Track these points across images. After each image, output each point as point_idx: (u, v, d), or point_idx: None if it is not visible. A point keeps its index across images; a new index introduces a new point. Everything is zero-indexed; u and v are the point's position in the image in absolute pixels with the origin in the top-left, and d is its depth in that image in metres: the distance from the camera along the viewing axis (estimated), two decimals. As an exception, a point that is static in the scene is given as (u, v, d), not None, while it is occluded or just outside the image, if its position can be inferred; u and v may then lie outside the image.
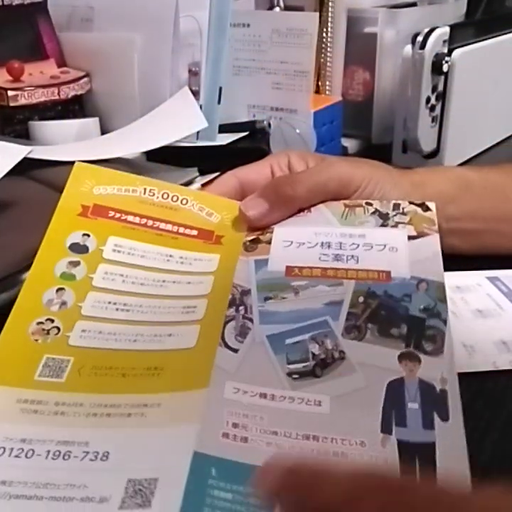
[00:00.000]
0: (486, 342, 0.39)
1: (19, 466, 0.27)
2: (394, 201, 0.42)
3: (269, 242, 0.39)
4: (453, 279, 0.44)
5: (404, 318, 0.33)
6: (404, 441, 0.27)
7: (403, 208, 0.41)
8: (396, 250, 0.37)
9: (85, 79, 0.68)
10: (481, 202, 0.47)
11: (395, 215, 0.41)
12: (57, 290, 0.35)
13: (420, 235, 0.39)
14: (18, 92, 0.62)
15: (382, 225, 0.40)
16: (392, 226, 0.40)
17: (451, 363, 0.30)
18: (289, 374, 0.31)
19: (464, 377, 0.31)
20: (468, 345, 0.38)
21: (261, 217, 0.41)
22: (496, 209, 0.47)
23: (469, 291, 0.44)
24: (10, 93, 0.62)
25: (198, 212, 0.42)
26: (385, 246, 0.38)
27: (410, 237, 0.38)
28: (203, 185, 0.53)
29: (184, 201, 0.42)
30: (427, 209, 0.41)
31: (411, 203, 0.42)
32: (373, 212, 0.41)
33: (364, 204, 0.42)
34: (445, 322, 0.32)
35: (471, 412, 0.30)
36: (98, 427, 0.29)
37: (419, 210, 0.41)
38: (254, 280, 0.36)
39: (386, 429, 0.28)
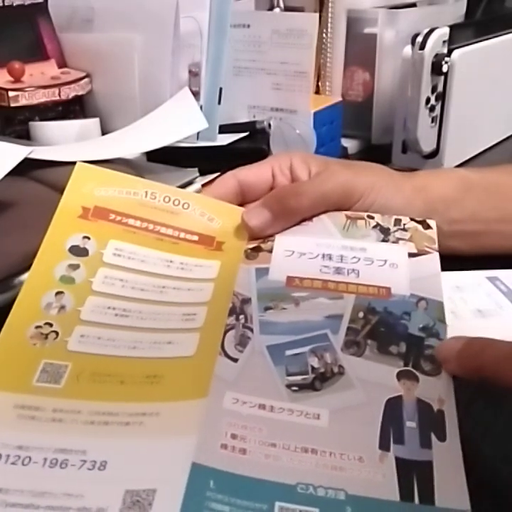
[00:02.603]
0: (486, 342, 0.39)
1: (15, 474, 0.26)
2: (395, 216, 0.42)
3: (270, 251, 0.39)
4: (453, 279, 0.44)
5: (403, 336, 0.33)
6: (401, 459, 0.27)
7: (404, 224, 0.41)
8: (396, 267, 0.38)
9: (86, 79, 0.68)
10: (483, 203, 0.47)
11: (396, 231, 0.41)
12: (57, 293, 0.35)
13: (421, 252, 0.39)
14: (19, 93, 0.62)
15: (383, 240, 0.40)
16: (393, 242, 0.40)
17: (449, 383, 0.30)
18: (289, 386, 0.31)
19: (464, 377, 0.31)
20: (467, 345, 0.38)
21: (263, 228, 0.41)
22: (497, 210, 0.47)
23: (469, 291, 0.44)
24: (11, 94, 0.62)
25: (199, 217, 0.41)
26: (385, 262, 0.38)
27: (411, 255, 0.38)
28: (203, 186, 0.53)
29: (185, 205, 0.41)
30: (427, 227, 0.41)
31: (412, 219, 0.42)
32: (374, 226, 0.41)
33: (365, 217, 0.42)
34: None
35: (471, 412, 0.30)
36: (96, 435, 0.28)
37: (419, 227, 0.41)
38: (254, 289, 0.36)
39: (384, 445, 0.28)
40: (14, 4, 0.67)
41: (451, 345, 0.31)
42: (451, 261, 0.39)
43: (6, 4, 0.66)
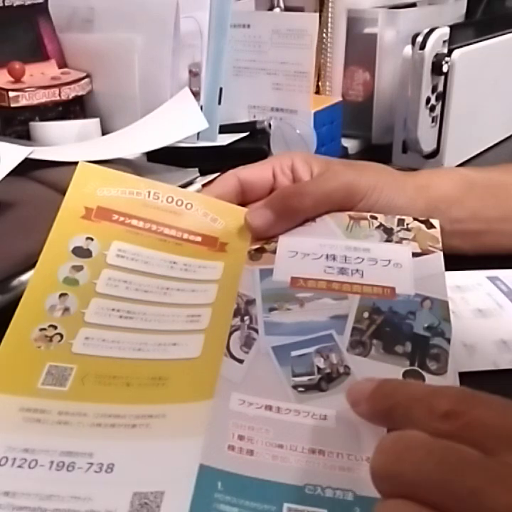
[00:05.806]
0: (486, 341, 0.39)
1: (22, 477, 0.26)
2: (398, 216, 0.42)
3: (274, 252, 0.39)
4: (453, 279, 0.44)
5: (408, 335, 0.33)
6: None
7: (407, 224, 0.41)
8: (400, 266, 0.38)
9: (86, 80, 0.68)
10: (484, 202, 0.47)
11: (400, 231, 0.41)
12: (60, 295, 0.35)
13: (424, 252, 0.39)
14: (19, 93, 0.62)
15: (387, 240, 0.40)
16: (397, 242, 0.40)
17: (455, 382, 0.30)
18: (295, 386, 0.31)
19: (464, 377, 0.31)
20: (468, 345, 0.38)
21: (266, 228, 0.41)
22: (498, 209, 0.47)
23: (469, 291, 0.44)
24: (11, 94, 0.62)
25: (202, 218, 0.41)
26: (389, 262, 0.38)
27: (414, 254, 0.38)
28: (204, 186, 0.53)
29: (188, 206, 0.41)
30: (431, 226, 0.41)
31: (415, 219, 0.42)
32: (378, 227, 0.41)
33: (369, 217, 0.42)
34: (449, 341, 0.32)
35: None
36: (102, 437, 0.28)
37: (423, 226, 0.41)
38: (259, 290, 0.36)
39: None
40: (14, 4, 0.67)
41: (362, 387, 0.28)
42: (451, 260, 0.39)
43: (6, 4, 0.66)
